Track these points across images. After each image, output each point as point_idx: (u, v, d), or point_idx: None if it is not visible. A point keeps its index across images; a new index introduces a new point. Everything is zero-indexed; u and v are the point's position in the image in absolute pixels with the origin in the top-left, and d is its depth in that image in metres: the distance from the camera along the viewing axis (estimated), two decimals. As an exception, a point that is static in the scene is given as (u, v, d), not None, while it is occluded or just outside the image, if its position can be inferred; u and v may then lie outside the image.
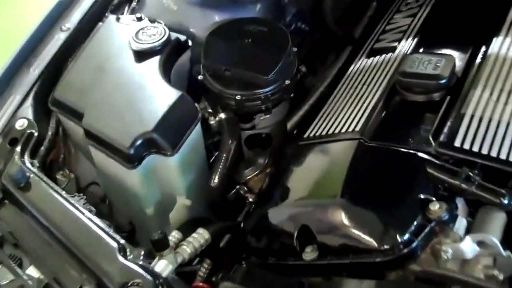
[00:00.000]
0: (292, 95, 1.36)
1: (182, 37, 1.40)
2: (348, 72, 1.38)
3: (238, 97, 1.28)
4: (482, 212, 1.04)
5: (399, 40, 1.37)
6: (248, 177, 1.33)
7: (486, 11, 1.36)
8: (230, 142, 1.30)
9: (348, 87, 1.32)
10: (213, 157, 1.36)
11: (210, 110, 1.35)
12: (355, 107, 1.24)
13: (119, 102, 1.26)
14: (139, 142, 1.18)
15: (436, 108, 1.17)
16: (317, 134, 1.24)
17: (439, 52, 1.30)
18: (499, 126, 1.09)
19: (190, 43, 1.41)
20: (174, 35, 1.39)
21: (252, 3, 1.48)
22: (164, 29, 1.38)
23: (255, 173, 1.33)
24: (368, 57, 1.39)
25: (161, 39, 1.36)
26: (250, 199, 1.33)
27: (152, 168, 1.23)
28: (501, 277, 0.95)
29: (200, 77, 1.33)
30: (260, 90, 1.29)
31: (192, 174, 1.29)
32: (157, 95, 1.26)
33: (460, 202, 1.06)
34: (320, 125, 1.26)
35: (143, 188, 1.24)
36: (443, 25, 1.38)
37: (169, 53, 1.36)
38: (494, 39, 1.27)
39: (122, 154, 1.19)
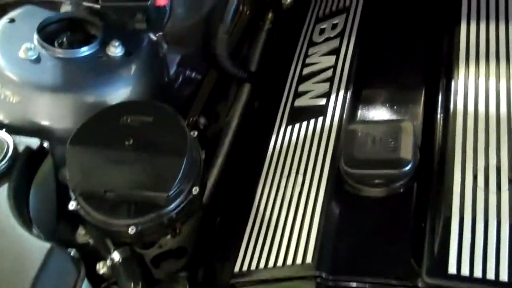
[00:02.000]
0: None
1: (35, 142, 0.99)
2: (270, 150, 1.03)
3: (132, 230, 0.91)
4: None
5: (327, 95, 1.04)
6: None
7: (428, 38, 1.06)
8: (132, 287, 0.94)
9: (277, 179, 0.97)
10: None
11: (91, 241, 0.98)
12: (295, 217, 0.90)
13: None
14: None
15: (404, 206, 0.86)
16: (253, 266, 0.89)
17: (385, 111, 0.99)
18: (500, 229, 0.79)
19: (47, 144, 1.01)
20: (22, 143, 0.98)
21: (123, 66, 1.09)
22: (6, 140, 0.97)
23: (178, 312, 0.99)
24: (290, 122, 1.05)
25: (4, 157, 0.95)
26: None
27: None
28: None
29: (71, 206, 0.94)
30: (161, 212, 0.92)
31: None
32: (13, 256, 0.86)
33: None
34: (254, 249, 0.91)
35: None
36: (377, 65, 1.06)
37: (21, 174, 0.96)
38: (453, 82, 0.96)
39: None
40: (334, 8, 1.20)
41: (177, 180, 0.91)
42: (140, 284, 0.95)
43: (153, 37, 1.13)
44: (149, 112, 0.97)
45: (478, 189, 0.83)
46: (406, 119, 0.94)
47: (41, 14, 1.11)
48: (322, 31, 1.17)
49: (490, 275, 0.76)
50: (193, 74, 1.25)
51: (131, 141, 0.94)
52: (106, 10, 1.06)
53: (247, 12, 1.34)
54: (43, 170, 1.00)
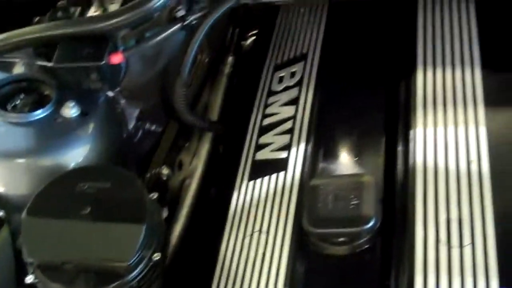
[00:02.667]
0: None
1: (-10, 213, 0.97)
2: (233, 206, 1.01)
3: (93, 300, 0.88)
4: None
5: (288, 147, 1.03)
6: None
7: (386, 86, 1.06)
8: None
9: (240, 238, 0.96)
10: None
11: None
12: (259, 279, 0.89)
13: None
14: None
15: (369, 264, 0.86)
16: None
17: (346, 163, 0.98)
18: (464, 287, 0.79)
19: (2, 213, 0.99)
20: (-24, 216, 0.96)
21: (80, 127, 1.06)
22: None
23: None
24: (252, 176, 1.03)
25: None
26: None
27: None
28: None
29: (29, 279, 0.91)
30: (122, 281, 0.89)
31: None
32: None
33: None
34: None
35: None
36: (336, 115, 1.06)
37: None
38: (411, 132, 0.96)
39: None
40: (292, 55, 1.19)
41: (137, 249, 0.89)
42: None
43: (109, 93, 1.11)
44: (106, 178, 0.95)
45: (440, 244, 0.82)
46: (367, 173, 0.94)
47: (-7, 76, 1.09)
48: (281, 79, 1.16)
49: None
50: (153, 127, 1.23)
51: (88, 210, 0.91)
52: (60, 71, 1.04)
53: (206, 60, 1.32)
54: (-1, 241, 0.97)
